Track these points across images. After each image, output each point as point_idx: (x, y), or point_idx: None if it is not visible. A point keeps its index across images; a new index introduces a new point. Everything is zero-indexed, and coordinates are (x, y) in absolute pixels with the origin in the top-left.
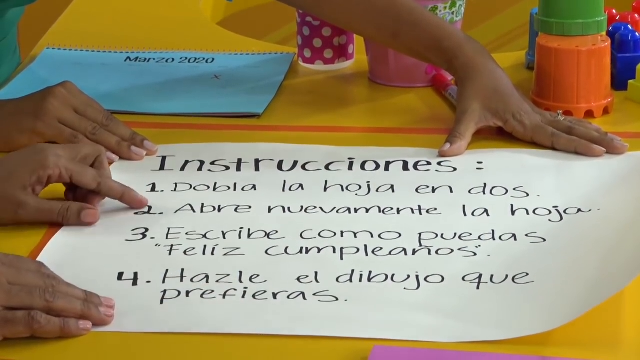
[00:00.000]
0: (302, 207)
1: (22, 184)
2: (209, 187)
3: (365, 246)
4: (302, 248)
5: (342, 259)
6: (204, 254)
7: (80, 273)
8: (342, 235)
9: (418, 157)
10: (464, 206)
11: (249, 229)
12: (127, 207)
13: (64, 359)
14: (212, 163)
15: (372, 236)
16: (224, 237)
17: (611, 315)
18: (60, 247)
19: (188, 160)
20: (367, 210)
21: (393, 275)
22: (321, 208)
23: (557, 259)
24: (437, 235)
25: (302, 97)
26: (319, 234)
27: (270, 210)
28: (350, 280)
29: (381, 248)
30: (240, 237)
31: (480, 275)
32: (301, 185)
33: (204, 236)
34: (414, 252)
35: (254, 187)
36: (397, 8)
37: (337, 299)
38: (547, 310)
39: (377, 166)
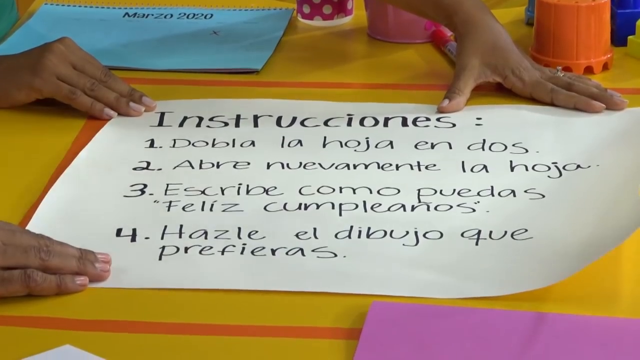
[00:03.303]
0: (300, 163)
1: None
2: (207, 143)
3: (364, 202)
4: (300, 204)
5: (340, 215)
6: (202, 210)
7: (79, 229)
8: (340, 192)
9: (417, 113)
10: (463, 162)
11: (247, 185)
12: (125, 162)
13: (63, 315)
14: (211, 119)
15: (370, 192)
16: (223, 193)
17: (609, 270)
18: (58, 202)
19: (187, 116)
20: (366, 166)
21: (392, 231)
22: (320, 164)
23: (556, 215)
24: (436, 192)
25: (301, 53)
26: (318, 190)
27: (269, 166)
28: (349, 236)
29: (380, 204)
30: (239, 193)
31: (479, 231)
32: (300, 142)
33: (203, 192)
34: (413, 208)
35: (253, 143)
36: None
37: (335, 255)
38: (545, 266)
39: (376, 122)
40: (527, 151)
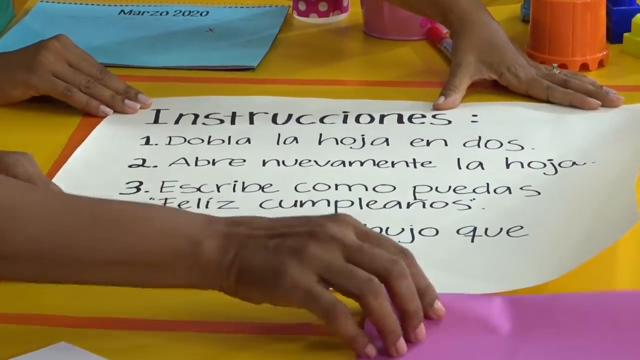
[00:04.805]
0: (296, 160)
1: None
2: (203, 141)
3: (360, 199)
4: (296, 201)
5: (336, 212)
6: (198, 207)
7: None
8: (336, 189)
9: (413, 110)
10: (458, 159)
11: (243, 183)
12: (121, 159)
13: (59, 312)
14: (207, 116)
15: (366, 189)
16: (218, 191)
17: (605, 267)
18: None
19: (182, 113)
20: (362, 164)
21: (387, 228)
22: (316, 161)
23: (552, 212)
24: (431, 189)
25: (297, 50)
26: (314, 187)
27: (264, 163)
28: None
29: (376, 201)
30: (234, 191)
31: (475, 228)
32: (296, 139)
33: (198, 189)
34: (409, 205)
35: (249, 140)
36: None
37: None
38: (541, 263)
39: (372, 119)
40: (522, 148)
